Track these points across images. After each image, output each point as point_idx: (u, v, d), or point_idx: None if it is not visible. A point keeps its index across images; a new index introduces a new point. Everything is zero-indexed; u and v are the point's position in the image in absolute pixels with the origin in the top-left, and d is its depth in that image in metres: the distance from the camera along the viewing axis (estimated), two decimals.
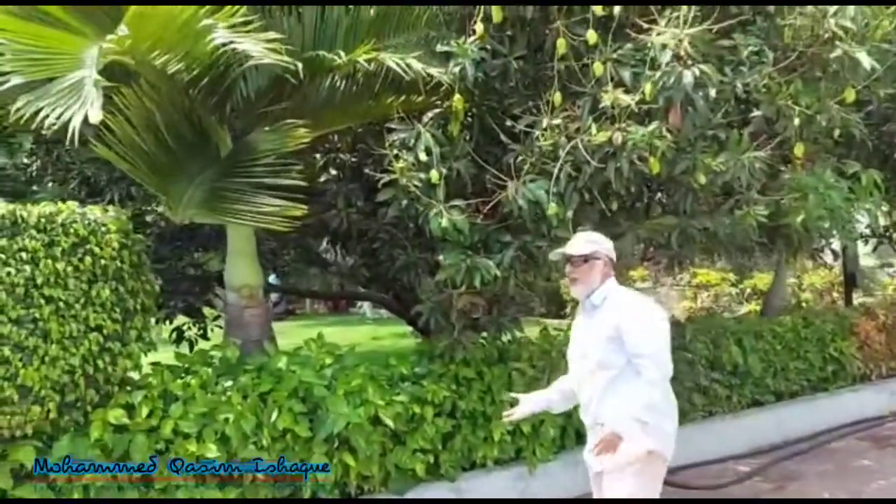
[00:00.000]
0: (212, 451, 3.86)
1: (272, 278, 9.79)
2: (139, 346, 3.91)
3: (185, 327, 6.15)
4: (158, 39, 3.24)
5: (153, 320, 4.24)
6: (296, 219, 3.67)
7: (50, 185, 5.49)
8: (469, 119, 4.96)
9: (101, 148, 3.40)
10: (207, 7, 3.21)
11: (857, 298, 11.13)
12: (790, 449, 6.26)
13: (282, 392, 4.24)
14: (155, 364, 4.27)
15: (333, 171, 5.60)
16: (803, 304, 12.73)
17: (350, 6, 4.66)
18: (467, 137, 4.85)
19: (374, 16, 4.67)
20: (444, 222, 4.14)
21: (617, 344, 3.09)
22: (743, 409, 6.61)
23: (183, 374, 4.26)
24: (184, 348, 5.90)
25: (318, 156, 5.58)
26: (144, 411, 3.81)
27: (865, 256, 12.25)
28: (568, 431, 5.25)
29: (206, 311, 6.18)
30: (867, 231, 8.39)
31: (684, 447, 6.06)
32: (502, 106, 4.82)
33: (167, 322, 5.90)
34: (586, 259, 3.20)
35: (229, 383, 4.23)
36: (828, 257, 9.76)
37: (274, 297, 17.19)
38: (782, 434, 6.54)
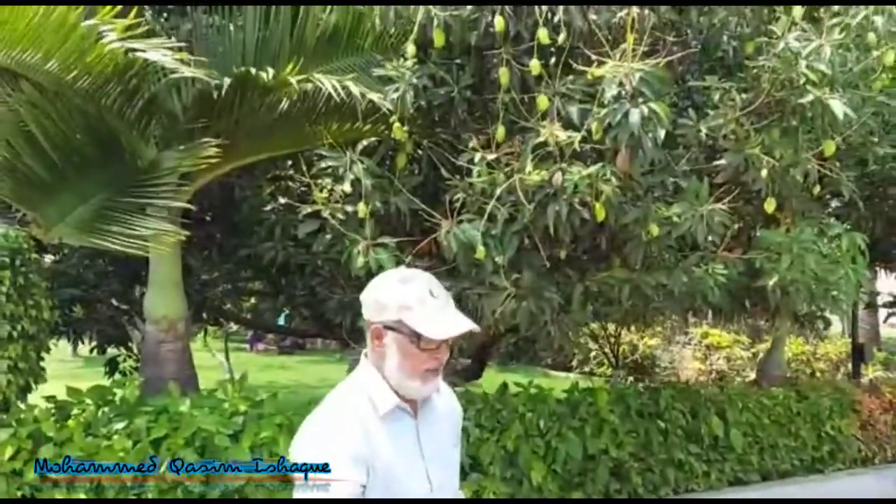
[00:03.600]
0: None
1: (281, 319, 9.54)
2: (9, 377, 3.54)
3: (120, 359, 5.79)
4: (33, 40, 2.93)
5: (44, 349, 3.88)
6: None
7: None
8: (419, 152, 4.59)
9: None
10: (81, 7, 2.90)
11: (873, 372, 10.40)
12: None
13: (177, 439, 3.83)
14: (49, 398, 3.93)
15: (283, 200, 5.24)
16: (817, 375, 12.05)
17: (294, 28, 4.38)
18: (416, 171, 4.49)
19: (319, 37, 4.37)
20: (363, 261, 3.74)
21: None
22: (726, 487, 6.05)
23: (77, 412, 3.90)
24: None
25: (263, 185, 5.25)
26: (8, 452, 3.41)
27: (887, 327, 11.50)
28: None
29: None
30: (866, 298, 7.72)
31: None
32: (452, 139, 4.45)
33: (90, 348, 5.53)
34: None
35: (121, 425, 3.84)
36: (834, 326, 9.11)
37: None
38: None
